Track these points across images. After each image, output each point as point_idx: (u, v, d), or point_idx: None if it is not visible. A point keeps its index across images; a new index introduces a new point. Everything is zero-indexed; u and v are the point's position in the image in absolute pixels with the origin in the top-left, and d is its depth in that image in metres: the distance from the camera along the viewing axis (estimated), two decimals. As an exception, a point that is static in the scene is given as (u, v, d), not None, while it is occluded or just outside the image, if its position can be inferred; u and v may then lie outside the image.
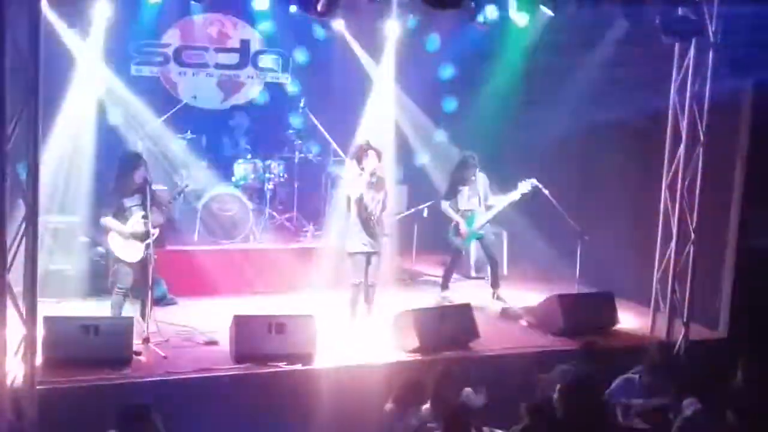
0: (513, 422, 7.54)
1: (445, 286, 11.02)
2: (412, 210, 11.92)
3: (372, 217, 9.53)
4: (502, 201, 10.61)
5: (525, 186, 10.39)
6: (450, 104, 13.17)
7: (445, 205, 10.76)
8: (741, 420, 7.31)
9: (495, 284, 10.98)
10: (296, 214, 12.10)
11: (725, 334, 10.02)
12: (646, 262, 9.91)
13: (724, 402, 7.38)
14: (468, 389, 7.64)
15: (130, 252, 8.87)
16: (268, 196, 11.89)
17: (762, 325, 8.96)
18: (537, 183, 10.37)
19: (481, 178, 10.73)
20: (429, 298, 10.67)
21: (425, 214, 11.82)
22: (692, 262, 9.44)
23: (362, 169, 9.52)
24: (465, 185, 10.69)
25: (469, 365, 8.70)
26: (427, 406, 7.36)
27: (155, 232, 8.86)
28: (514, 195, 10.47)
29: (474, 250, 12.26)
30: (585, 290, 10.52)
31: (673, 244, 9.46)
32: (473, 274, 12.29)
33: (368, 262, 9.60)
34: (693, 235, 9.41)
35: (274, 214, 12.01)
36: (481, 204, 10.73)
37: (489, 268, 11.15)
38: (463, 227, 10.71)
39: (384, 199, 9.64)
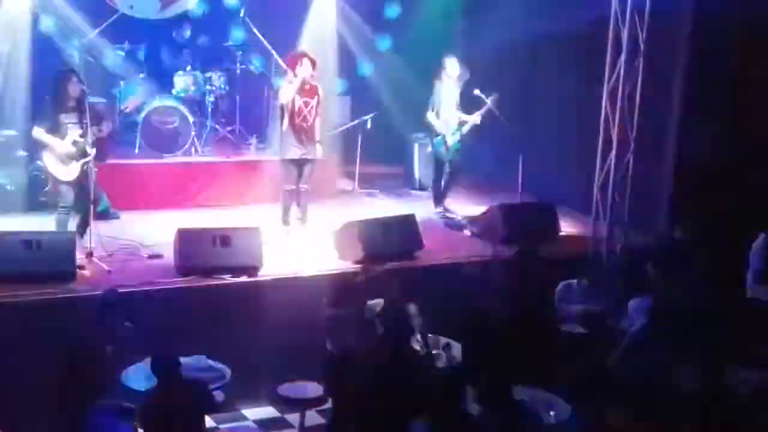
0: (456, 330, 7.73)
1: (437, 200, 11.08)
2: (356, 122, 11.86)
3: (304, 124, 9.56)
4: (473, 117, 10.59)
5: (492, 101, 10.39)
6: (392, 11, 13.01)
7: (430, 115, 10.72)
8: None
9: (444, 195, 11.04)
10: (238, 127, 11.99)
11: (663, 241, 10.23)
12: (587, 171, 10.03)
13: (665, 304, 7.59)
14: (413, 306, 7.74)
15: (66, 170, 8.67)
16: (209, 109, 11.74)
17: (701, 231, 9.15)
18: (481, 94, 10.41)
19: (456, 86, 10.72)
20: (371, 210, 10.68)
21: (369, 125, 11.77)
22: (632, 171, 9.57)
23: (295, 76, 9.53)
24: (445, 93, 10.66)
25: (413, 275, 8.84)
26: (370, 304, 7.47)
27: (92, 152, 8.69)
28: (484, 110, 10.46)
29: (417, 160, 12.31)
30: (527, 200, 10.63)
31: (613, 153, 9.57)
32: (417, 185, 12.34)
33: (301, 169, 9.65)
34: (633, 144, 9.52)
35: (216, 126, 11.88)
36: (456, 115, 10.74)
37: (448, 179, 11.08)
38: (449, 138, 10.70)
39: (317, 106, 9.64)
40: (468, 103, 10.71)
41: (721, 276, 8.66)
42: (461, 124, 10.71)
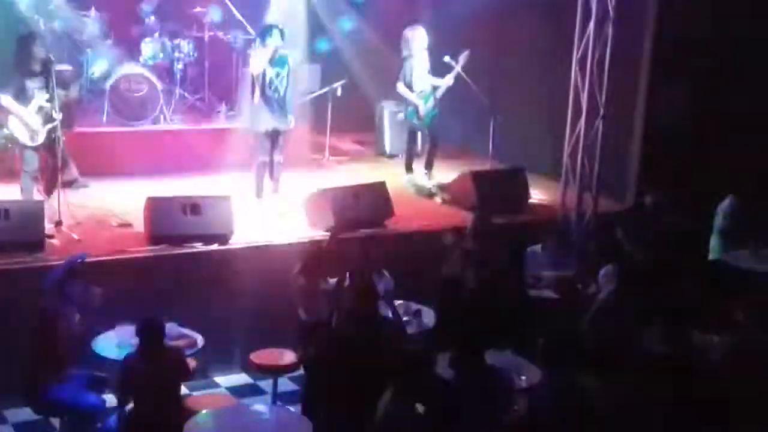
0: (427, 298, 7.77)
1: (409, 168, 11.06)
2: (326, 89, 11.79)
3: (276, 95, 9.51)
4: (445, 80, 10.54)
5: (462, 59, 10.36)
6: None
7: (401, 87, 10.63)
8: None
9: (429, 165, 10.99)
10: (207, 94, 11.90)
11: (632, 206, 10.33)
12: (557, 137, 10.07)
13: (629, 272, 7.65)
14: (384, 272, 7.74)
15: (32, 135, 8.60)
16: (178, 76, 11.64)
17: (670, 197, 9.24)
18: (451, 60, 10.39)
19: (425, 55, 10.67)
20: (341, 178, 10.66)
21: (339, 93, 11.72)
22: (601, 137, 9.62)
23: (265, 46, 9.44)
24: (417, 65, 10.60)
25: (384, 243, 8.86)
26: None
27: (57, 117, 8.60)
28: (454, 73, 10.42)
29: (387, 128, 12.30)
30: (498, 166, 10.66)
31: (582, 119, 9.61)
32: (388, 153, 12.33)
33: (274, 140, 9.61)
34: (602, 110, 9.56)
35: (185, 94, 11.79)
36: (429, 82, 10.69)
37: (428, 148, 11.03)
38: (422, 108, 10.64)
39: (287, 76, 9.57)
40: (439, 68, 10.67)
41: (689, 239, 8.77)
42: (434, 88, 10.67)
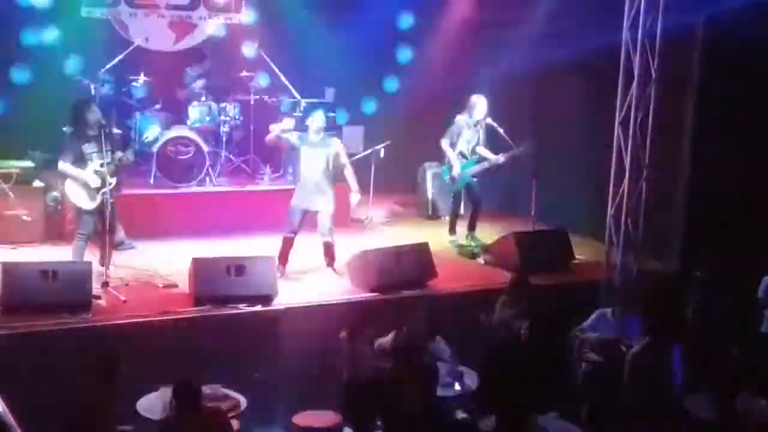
0: (474, 361, 7.73)
1: (452, 229, 11.04)
2: (369, 151, 11.91)
3: (313, 177, 9.37)
4: (498, 156, 10.51)
5: (522, 150, 10.35)
6: (404, 55, 13.27)
7: (444, 143, 10.62)
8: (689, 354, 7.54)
9: (472, 227, 10.96)
10: (253, 157, 12.07)
11: (678, 269, 10.22)
12: (600, 199, 10.03)
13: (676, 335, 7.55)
14: (440, 338, 7.72)
15: (87, 199, 8.78)
16: (223, 139, 11.83)
17: (712, 260, 9.12)
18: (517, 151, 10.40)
19: (482, 126, 10.64)
20: (384, 239, 10.70)
21: (381, 155, 11.81)
22: (645, 198, 9.58)
23: (307, 126, 9.50)
24: (467, 129, 10.62)
25: (429, 306, 8.83)
26: (384, 339, 7.46)
27: (112, 181, 8.79)
28: (510, 154, 10.41)
29: (430, 189, 12.35)
30: (541, 228, 10.64)
31: (626, 180, 9.58)
32: (430, 212, 12.38)
33: (303, 217, 9.45)
34: (645, 171, 9.54)
35: (231, 156, 11.97)
36: (476, 151, 10.67)
37: (471, 209, 10.99)
38: (456, 170, 10.61)
39: (330, 158, 9.39)
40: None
41: (738, 312, 8.60)
42: (481, 159, 10.66)
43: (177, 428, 6.19)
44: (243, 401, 7.19)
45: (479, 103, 10.56)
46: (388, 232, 11.47)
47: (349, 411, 6.89)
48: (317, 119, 9.40)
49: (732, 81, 9.75)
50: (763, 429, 6.51)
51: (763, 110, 9.81)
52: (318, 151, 9.37)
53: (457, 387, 7.37)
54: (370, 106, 13.19)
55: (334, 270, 9.55)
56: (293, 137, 9.43)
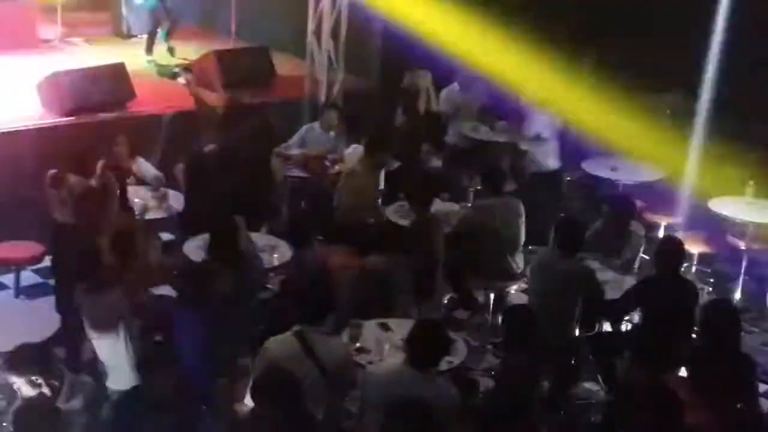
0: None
1: (149, 50, 10.59)
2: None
3: None
4: None
5: None
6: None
7: None
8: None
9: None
10: None
11: (377, 84, 10.47)
12: (301, 15, 9.97)
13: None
14: (140, 158, 7.50)
15: None
16: None
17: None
18: None
19: None
20: (77, 61, 10.06)
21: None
22: (346, 15, 9.64)
23: None
24: None
25: (127, 127, 8.53)
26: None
27: None
28: None
29: (125, 6, 11.72)
30: (242, 45, 10.45)
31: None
32: (125, 32, 11.76)
33: None
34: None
35: None
36: None
37: (167, 27, 10.65)
38: None
39: None
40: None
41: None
42: None
43: None
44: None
45: None
46: (80, 52, 10.78)
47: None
48: None
49: None
50: (457, 230, 7.00)
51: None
52: None
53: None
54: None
55: None
56: None
